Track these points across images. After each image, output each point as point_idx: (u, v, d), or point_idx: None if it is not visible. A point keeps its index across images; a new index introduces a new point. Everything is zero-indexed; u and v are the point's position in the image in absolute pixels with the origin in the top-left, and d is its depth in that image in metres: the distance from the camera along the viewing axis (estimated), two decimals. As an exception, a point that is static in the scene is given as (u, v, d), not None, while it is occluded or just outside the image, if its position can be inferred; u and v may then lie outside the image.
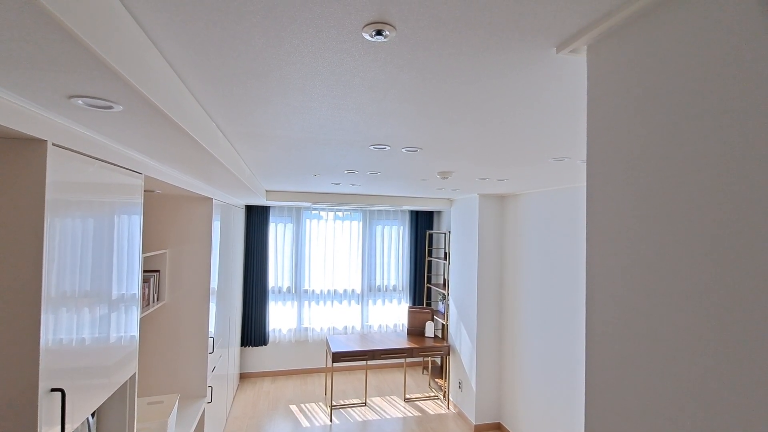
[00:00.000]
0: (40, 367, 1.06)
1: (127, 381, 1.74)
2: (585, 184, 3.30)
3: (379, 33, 0.84)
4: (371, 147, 2.04)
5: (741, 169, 0.59)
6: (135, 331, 1.77)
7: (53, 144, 1.10)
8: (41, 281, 1.07)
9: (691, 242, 0.65)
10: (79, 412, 1.29)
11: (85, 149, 1.26)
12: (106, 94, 0.92)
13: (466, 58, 0.99)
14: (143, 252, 2.71)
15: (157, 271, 2.90)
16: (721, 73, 0.61)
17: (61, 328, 1.17)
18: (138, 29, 0.85)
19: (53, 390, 1.13)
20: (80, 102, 0.97)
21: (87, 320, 1.34)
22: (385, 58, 1.00)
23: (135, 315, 1.77)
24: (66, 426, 1.19)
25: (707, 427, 0.62)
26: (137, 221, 1.75)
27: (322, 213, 5.99)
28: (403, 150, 2.10)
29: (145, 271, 2.80)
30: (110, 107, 1.01)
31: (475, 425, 4.33)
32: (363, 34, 0.86)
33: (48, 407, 1.11)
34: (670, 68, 0.69)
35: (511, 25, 0.83)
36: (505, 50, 0.95)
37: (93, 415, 1.67)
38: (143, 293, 2.49)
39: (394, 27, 0.83)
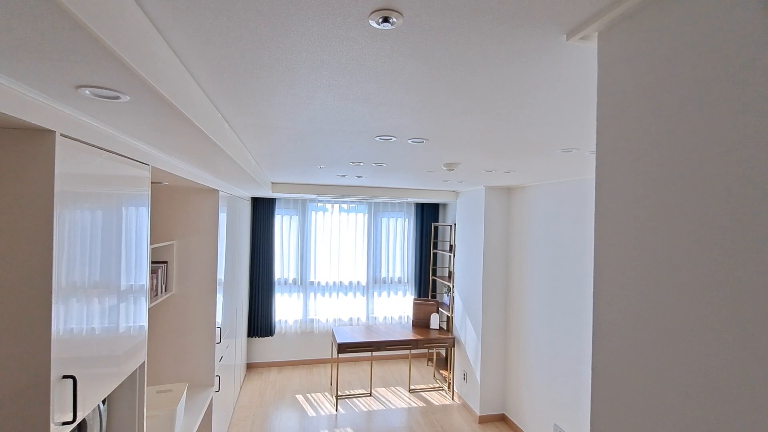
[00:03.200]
0: (51, 354, 1.08)
1: (136, 369, 1.76)
2: (593, 176, 3.27)
3: (386, 20, 0.83)
4: (377, 138, 2.03)
5: (755, 159, 0.57)
6: (144, 321, 1.79)
7: (62, 135, 1.10)
8: (52, 272, 1.08)
9: (702, 234, 0.64)
10: (90, 399, 1.31)
11: (93, 140, 1.26)
12: (113, 84, 0.92)
13: (474, 46, 0.98)
14: (151, 243, 2.73)
15: (165, 262, 2.92)
16: (737, 59, 0.60)
17: (71, 318, 1.19)
18: (144, 18, 0.85)
19: (65, 377, 1.15)
20: (87, 92, 0.97)
21: (97, 310, 1.36)
22: (392, 47, 0.99)
23: (144, 305, 1.79)
24: (77, 412, 1.21)
25: (716, 420, 0.62)
26: (145, 212, 1.76)
27: (328, 205, 6.00)
28: (410, 141, 2.09)
29: (153, 262, 2.83)
30: (117, 97, 1.01)
31: (480, 416, 4.36)
32: (369, 21, 0.85)
33: (60, 394, 1.13)
34: (684, 55, 0.68)
35: (520, 11, 0.82)
36: (514, 38, 0.93)
37: (104, 402, 1.70)
38: (151, 284, 2.52)
39: (401, 14, 0.82)
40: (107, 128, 1.35)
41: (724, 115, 0.62)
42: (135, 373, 1.77)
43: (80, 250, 1.23)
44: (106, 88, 0.95)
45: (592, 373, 0.85)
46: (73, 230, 1.18)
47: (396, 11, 0.82)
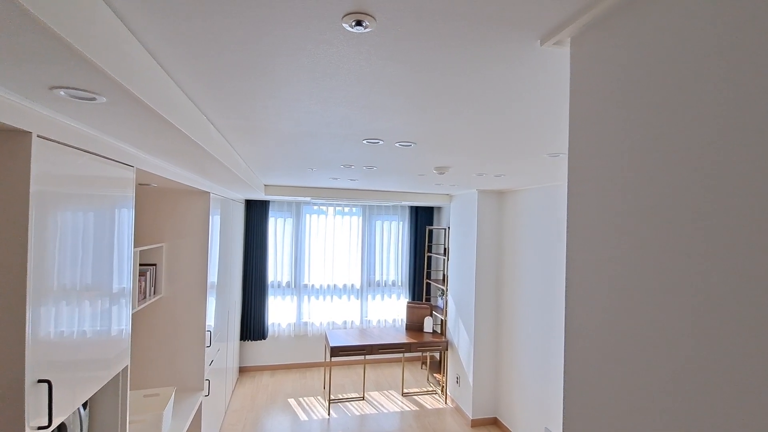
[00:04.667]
0: (26, 358, 1.07)
1: (119, 373, 1.75)
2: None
3: (359, 23, 0.83)
4: (364, 141, 2.03)
5: (724, 164, 0.57)
6: (126, 324, 1.77)
7: (38, 136, 1.09)
8: (27, 274, 1.07)
9: (672, 239, 0.64)
10: (67, 404, 1.29)
11: (73, 141, 1.26)
12: (86, 85, 0.91)
13: (451, 49, 0.98)
14: (139, 245, 2.72)
15: (154, 264, 2.91)
16: (707, 66, 0.60)
17: (48, 321, 1.18)
18: (116, 20, 0.84)
19: (40, 381, 1.14)
20: (62, 93, 0.96)
21: (76, 313, 1.34)
22: (369, 50, 0.99)
23: (126, 308, 1.78)
24: (54, 417, 1.20)
25: (683, 420, 0.62)
26: (129, 214, 1.75)
27: (322, 208, 5.99)
28: (397, 144, 2.09)
29: (141, 265, 2.81)
30: (93, 99, 1.00)
31: (472, 419, 4.34)
32: (343, 24, 0.85)
33: (35, 398, 1.12)
34: (655, 60, 0.68)
35: (492, 16, 0.82)
36: (489, 42, 0.94)
37: (85, 407, 1.69)
38: (139, 286, 2.50)
39: (373, 17, 0.82)
40: (88, 129, 1.35)
41: (694, 120, 0.62)
42: (117, 377, 1.76)
43: (58, 252, 1.22)
44: (81, 89, 0.94)
45: (564, 375, 0.85)
46: (51, 232, 1.17)
47: (368, 15, 0.82)
